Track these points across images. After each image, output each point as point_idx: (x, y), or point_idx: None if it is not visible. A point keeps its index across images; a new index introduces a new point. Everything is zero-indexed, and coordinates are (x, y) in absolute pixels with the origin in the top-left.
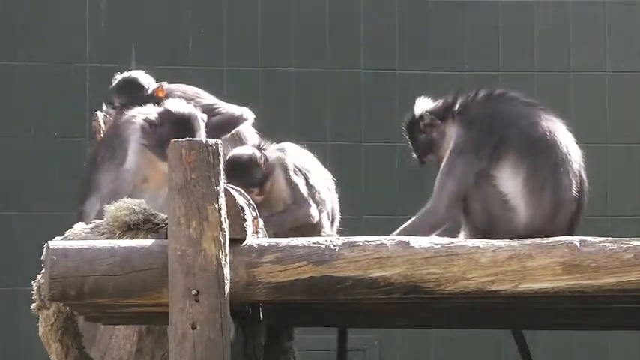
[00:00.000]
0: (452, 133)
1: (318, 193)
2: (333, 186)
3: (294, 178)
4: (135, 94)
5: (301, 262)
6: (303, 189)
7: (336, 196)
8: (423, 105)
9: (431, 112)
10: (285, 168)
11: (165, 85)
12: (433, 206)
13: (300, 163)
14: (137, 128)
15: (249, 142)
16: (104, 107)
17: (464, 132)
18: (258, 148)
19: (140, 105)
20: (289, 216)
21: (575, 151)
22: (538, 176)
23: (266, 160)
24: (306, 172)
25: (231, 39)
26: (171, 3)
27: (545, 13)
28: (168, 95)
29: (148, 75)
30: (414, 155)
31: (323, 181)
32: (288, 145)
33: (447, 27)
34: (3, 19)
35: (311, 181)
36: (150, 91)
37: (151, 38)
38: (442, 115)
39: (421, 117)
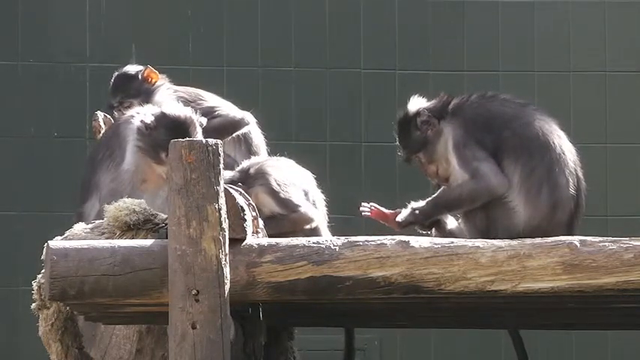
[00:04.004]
0: (447, 134)
1: (313, 202)
2: (314, 184)
3: (283, 195)
4: (128, 86)
5: (301, 262)
6: (297, 198)
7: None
8: (419, 103)
9: (428, 110)
10: (271, 192)
11: (160, 77)
12: (473, 177)
13: (283, 178)
14: (134, 129)
15: (255, 144)
16: (103, 113)
17: (462, 132)
18: (235, 181)
19: (138, 96)
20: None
21: (570, 150)
22: (534, 176)
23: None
24: (291, 184)
25: (231, 39)
26: (171, 3)
27: (545, 13)
28: (158, 74)
29: (134, 65)
30: (401, 152)
31: (308, 184)
32: (265, 165)
33: (447, 27)
34: (3, 19)
35: (299, 191)
36: (141, 77)
37: (151, 38)
38: (439, 113)
39: (418, 113)
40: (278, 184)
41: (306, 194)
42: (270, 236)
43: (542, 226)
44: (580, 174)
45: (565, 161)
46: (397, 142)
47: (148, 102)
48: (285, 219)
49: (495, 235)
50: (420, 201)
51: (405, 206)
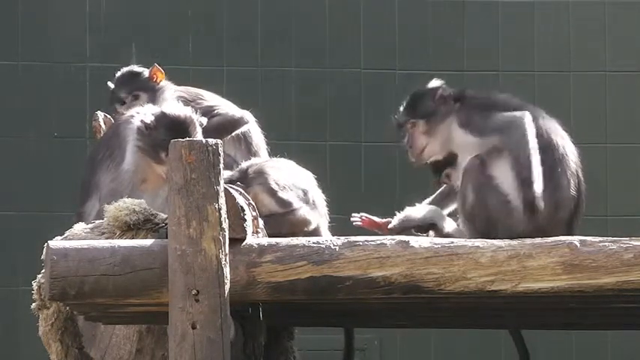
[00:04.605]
0: (453, 119)
1: (313, 202)
2: (315, 184)
3: (282, 195)
4: (136, 80)
5: (301, 262)
6: (295, 199)
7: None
8: (440, 82)
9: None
10: (270, 191)
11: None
12: None
13: (282, 178)
14: (134, 129)
15: (255, 143)
16: (103, 113)
17: (466, 115)
18: (234, 181)
19: (142, 91)
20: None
21: (572, 151)
22: None
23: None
24: (290, 185)
25: (231, 39)
26: (171, 2)
27: (545, 13)
28: (164, 73)
29: (137, 65)
30: (402, 113)
31: (308, 184)
32: (264, 165)
33: (447, 27)
34: (3, 18)
35: (299, 193)
36: (147, 75)
37: (151, 38)
38: (456, 97)
39: (440, 87)
40: (277, 184)
41: (305, 194)
42: (267, 236)
43: (543, 226)
44: (581, 175)
45: (567, 162)
46: (401, 105)
47: (154, 100)
48: (283, 219)
49: (495, 235)
50: (417, 204)
51: (404, 207)
